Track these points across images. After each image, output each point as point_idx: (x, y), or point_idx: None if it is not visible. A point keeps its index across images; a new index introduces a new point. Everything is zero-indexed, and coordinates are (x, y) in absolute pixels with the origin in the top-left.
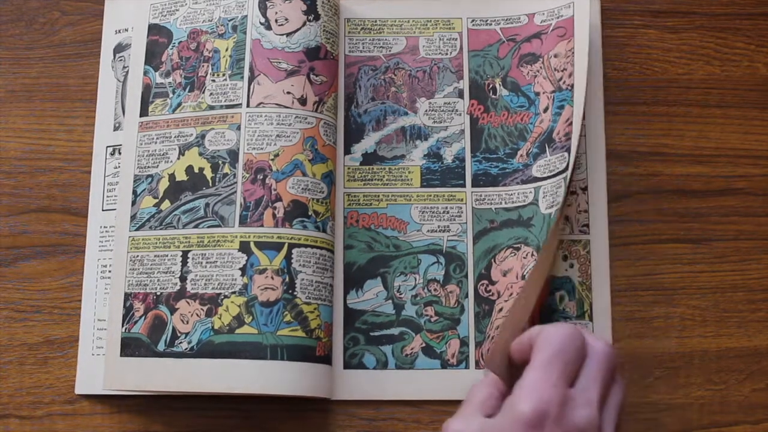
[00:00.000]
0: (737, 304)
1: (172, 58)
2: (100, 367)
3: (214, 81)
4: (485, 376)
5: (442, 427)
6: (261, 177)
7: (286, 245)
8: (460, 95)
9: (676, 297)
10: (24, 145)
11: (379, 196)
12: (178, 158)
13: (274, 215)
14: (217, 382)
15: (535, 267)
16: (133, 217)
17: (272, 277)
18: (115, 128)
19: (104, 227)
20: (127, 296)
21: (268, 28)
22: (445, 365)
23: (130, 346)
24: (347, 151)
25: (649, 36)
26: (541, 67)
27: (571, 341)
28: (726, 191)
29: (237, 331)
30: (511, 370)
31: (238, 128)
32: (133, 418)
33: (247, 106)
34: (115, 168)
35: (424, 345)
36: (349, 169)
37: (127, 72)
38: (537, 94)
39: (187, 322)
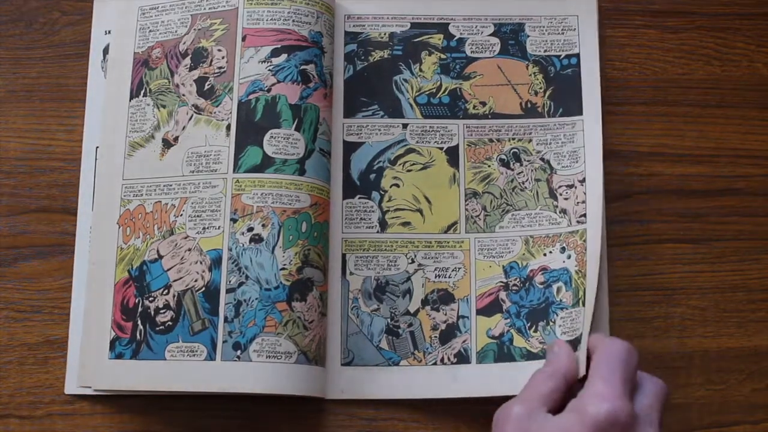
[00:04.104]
0: (737, 304)
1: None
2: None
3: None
4: (547, 365)
5: (500, 409)
6: None
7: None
8: None
9: (676, 297)
10: (24, 145)
11: None
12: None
13: None
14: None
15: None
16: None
17: None
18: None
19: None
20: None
21: None
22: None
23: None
24: None
25: (649, 36)
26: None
27: (630, 356)
28: (726, 191)
29: None
30: None
31: None
32: (133, 418)
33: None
34: None
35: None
36: None
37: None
38: None
39: None
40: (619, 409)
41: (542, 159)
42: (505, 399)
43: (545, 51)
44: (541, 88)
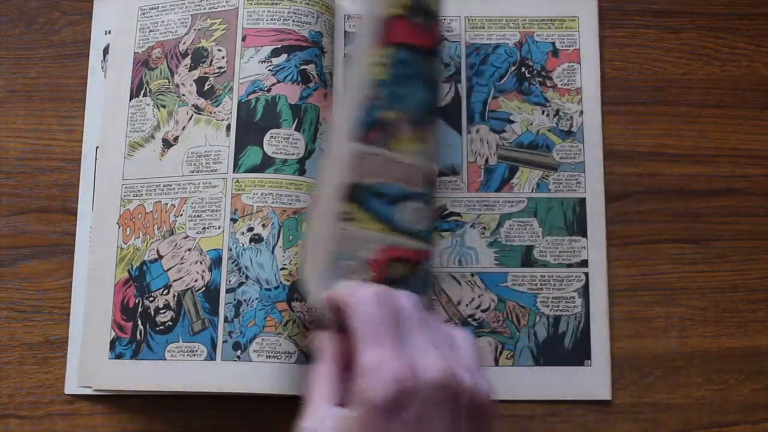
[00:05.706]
0: (737, 304)
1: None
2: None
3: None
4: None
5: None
6: None
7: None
8: None
9: (676, 297)
10: (24, 145)
11: None
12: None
13: None
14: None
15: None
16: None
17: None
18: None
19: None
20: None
21: None
22: None
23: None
24: None
25: (649, 36)
26: None
27: (383, 305)
28: (726, 191)
29: None
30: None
31: None
32: (133, 418)
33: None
34: None
35: None
36: None
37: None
38: None
39: None
40: (394, 380)
41: None
42: (505, 401)
43: None
44: None
